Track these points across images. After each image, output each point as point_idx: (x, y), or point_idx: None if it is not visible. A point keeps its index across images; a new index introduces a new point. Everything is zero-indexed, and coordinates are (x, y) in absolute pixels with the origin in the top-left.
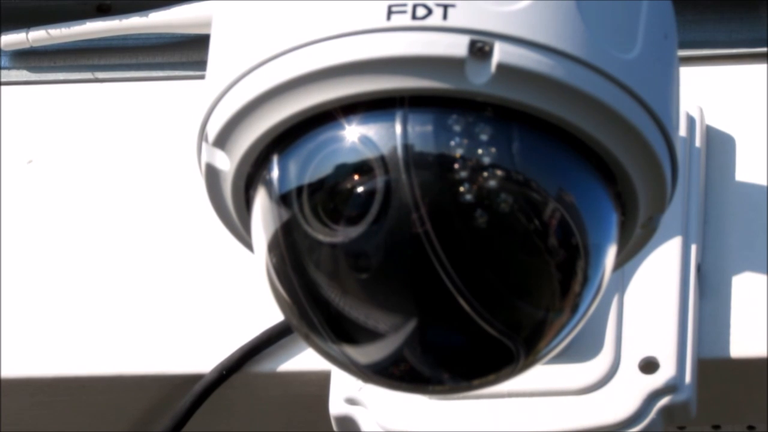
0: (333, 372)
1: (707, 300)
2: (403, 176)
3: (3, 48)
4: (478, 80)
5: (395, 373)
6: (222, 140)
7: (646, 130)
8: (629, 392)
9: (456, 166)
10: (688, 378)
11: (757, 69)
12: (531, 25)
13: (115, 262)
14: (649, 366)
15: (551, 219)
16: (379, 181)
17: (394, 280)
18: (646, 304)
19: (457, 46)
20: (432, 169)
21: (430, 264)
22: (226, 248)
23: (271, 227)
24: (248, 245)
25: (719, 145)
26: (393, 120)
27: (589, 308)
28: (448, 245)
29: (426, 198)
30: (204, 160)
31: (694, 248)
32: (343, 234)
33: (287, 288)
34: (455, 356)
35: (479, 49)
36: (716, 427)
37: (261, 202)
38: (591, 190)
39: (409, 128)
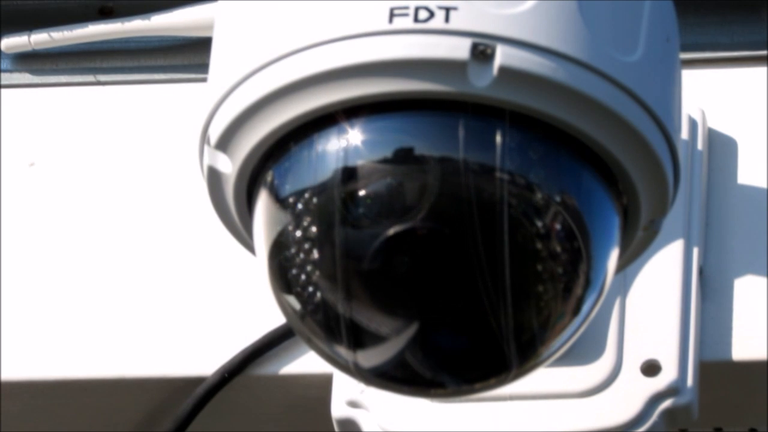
0: (335, 375)
1: (709, 303)
2: (462, 178)
3: (5, 50)
4: (480, 83)
5: (400, 376)
6: (224, 143)
7: (648, 133)
8: (631, 395)
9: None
10: (690, 381)
11: (758, 72)
12: (533, 27)
13: (117, 265)
14: (651, 369)
15: (553, 222)
16: (419, 180)
17: (418, 280)
18: (648, 307)
19: (459, 49)
20: (478, 172)
21: (464, 265)
22: (228, 251)
23: (281, 226)
24: (250, 248)
25: (721, 148)
26: (400, 122)
27: (591, 311)
28: (482, 248)
29: (476, 199)
30: (206, 162)
31: (696, 251)
32: (384, 227)
33: (292, 289)
34: (459, 359)
35: (481, 52)
36: (718, 429)
37: (264, 204)
38: (593, 193)
39: (414, 130)
